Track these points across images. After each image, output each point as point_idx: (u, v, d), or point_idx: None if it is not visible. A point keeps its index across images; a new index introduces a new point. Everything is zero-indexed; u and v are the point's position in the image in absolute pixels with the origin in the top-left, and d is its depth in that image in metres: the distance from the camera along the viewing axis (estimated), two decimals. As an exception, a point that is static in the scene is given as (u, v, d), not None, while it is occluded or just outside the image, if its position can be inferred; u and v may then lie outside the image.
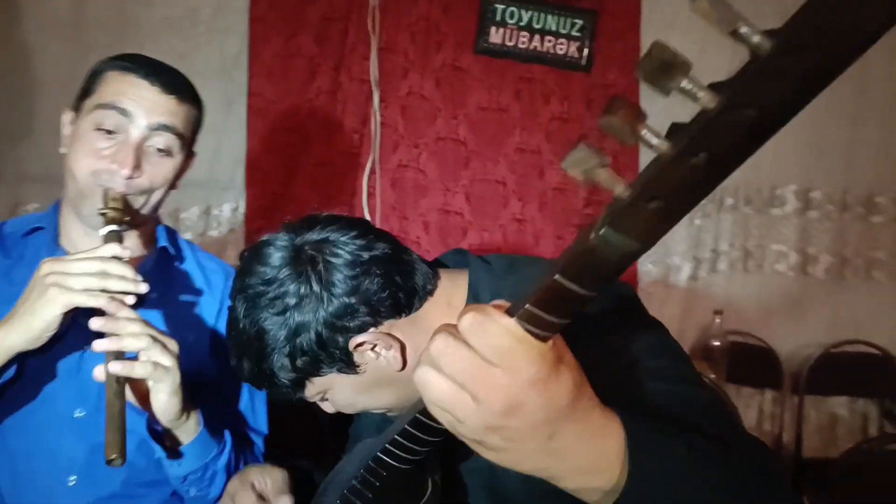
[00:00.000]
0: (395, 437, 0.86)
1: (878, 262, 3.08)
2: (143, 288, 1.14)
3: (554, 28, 2.77)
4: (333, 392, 1.07)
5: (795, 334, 3.07)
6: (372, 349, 1.02)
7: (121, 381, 1.09)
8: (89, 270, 1.11)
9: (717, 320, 2.69)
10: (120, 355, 1.09)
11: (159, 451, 1.21)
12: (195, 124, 1.35)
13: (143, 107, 1.24)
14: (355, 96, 2.72)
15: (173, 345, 1.15)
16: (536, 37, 2.76)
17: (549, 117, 2.80)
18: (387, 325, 1.01)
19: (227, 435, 1.29)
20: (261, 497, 1.14)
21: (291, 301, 0.98)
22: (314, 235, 1.02)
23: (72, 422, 1.27)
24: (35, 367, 1.22)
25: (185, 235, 2.63)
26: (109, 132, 1.24)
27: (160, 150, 1.27)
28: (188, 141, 1.33)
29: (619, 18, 2.77)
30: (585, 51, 2.77)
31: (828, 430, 3.01)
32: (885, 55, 2.83)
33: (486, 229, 2.83)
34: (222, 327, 1.30)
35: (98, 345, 1.09)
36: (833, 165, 2.89)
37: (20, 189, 2.65)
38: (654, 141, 0.44)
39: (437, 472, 1.01)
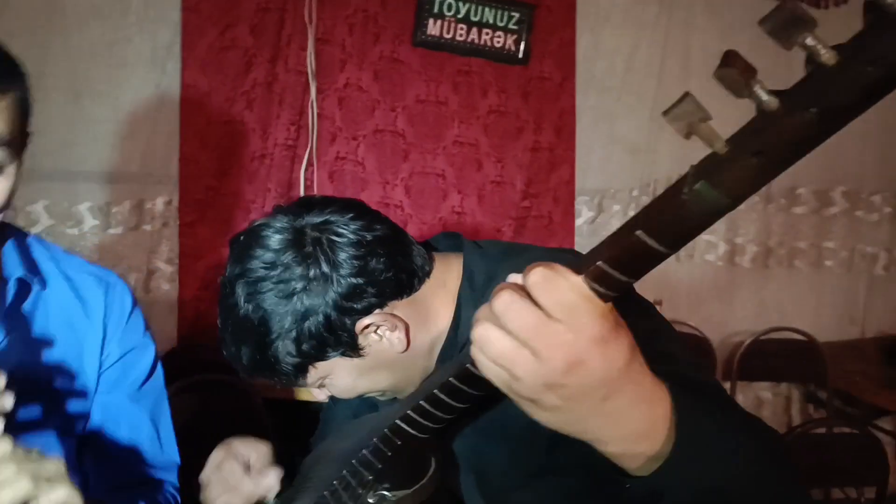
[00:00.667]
0: (421, 402, 0.84)
1: (799, 252, 3.21)
2: (8, 403, 0.86)
3: (491, 21, 2.77)
4: (334, 377, 1.04)
5: (725, 322, 3.17)
6: (376, 331, 1.00)
7: None
8: None
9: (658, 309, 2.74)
10: None
11: None
12: (22, 110, 0.98)
13: None
14: (292, 88, 2.66)
15: (57, 466, 0.87)
16: (474, 29, 2.76)
17: (487, 110, 2.80)
18: (390, 307, 1.00)
19: None
20: (246, 467, 1.09)
21: (298, 284, 0.96)
22: (314, 218, 0.99)
23: None
24: None
25: (117, 230, 2.58)
26: None
27: None
28: (19, 139, 0.98)
29: (554, 12, 2.79)
30: (522, 44, 2.78)
31: (755, 413, 3.11)
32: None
33: (425, 222, 2.82)
34: (113, 351, 1.16)
35: None
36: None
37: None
38: (765, 96, 0.45)
39: (438, 451, 0.99)
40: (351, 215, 1.00)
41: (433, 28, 2.73)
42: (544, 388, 0.60)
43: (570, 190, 2.92)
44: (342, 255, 0.97)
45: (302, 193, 2.72)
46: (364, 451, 0.95)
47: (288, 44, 2.65)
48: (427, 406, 0.83)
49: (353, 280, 0.97)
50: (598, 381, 0.60)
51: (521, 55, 2.79)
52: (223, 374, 2.43)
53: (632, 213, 2.97)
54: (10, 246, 1.08)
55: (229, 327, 1.01)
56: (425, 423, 0.86)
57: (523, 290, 0.58)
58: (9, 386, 0.87)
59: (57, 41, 2.55)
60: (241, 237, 1.02)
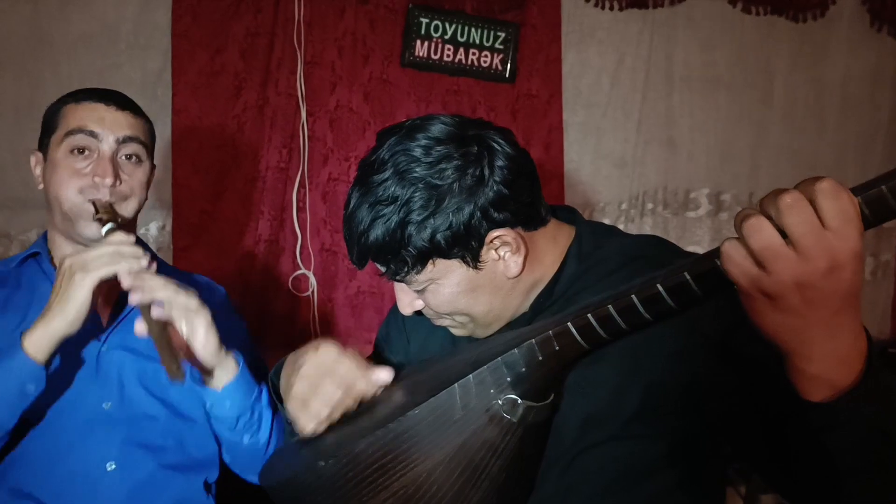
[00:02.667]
0: (609, 306, 0.82)
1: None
2: (153, 264, 1.29)
3: (478, 41, 2.75)
4: (442, 283, 1.05)
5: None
6: (498, 249, 1.05)
7: (160, 323, 1.22)
8: (105, 253, 1.24)
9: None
10: (151, 305, 1.23)
11: (210, 397, 1.35)
12: (151, 135, 1.55)
13: (106, 125, 1.42)
14: (284, 111, 2.63)
15: (193, 292, 1.27)
16: (461, 49, 2.74)
17: (477, 129, 2.78)
18: (517, 232, 1.05)
19: (262, 382, 1.41)
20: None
21: (453, 175, 0.99)
22: (476, 128, 1.04)
23: (101, 414, 1.38)
24: (58, 368, 1.31)
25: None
26: (83, 152, 1.41)
27: (131, 158, 1.45)
28: (150, 149, 1.52)
29: (540, 31, 2.78)
30: (509, 63, 2.77)
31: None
32: (786, 65, 2.95)
33: (417, 240, 2.79)
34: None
35: (134, 298, 1.23)
36: (740, 169, 2.99)
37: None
38: None
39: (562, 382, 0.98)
40: (508, 138, 1.05)
41: (421, 49, 2.72)
42: (794, 287, 0.65)
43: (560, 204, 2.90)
44: (499, 163, 1.01)
45: (294, 215, 2.69)
46: (515, 350, 0.91)
47: (278, 67, 2.62)
48: (612, 311, 0.82)
49: (503, 190, 1.01)
50: (844, 292, 0.66)
51: (507, 74, 2.78)
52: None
53: (621, 226, 2.99)
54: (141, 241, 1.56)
55: (367, 204, 1.03)
56: (599, 331, 0.85)
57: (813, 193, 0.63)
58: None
59: (47, 71, 2.51)
60: (408, 122, 1.06)
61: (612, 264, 1.11)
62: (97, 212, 1.37)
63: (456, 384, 0.92)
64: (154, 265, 1.29)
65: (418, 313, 1.17)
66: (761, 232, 0.64)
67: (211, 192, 2.62)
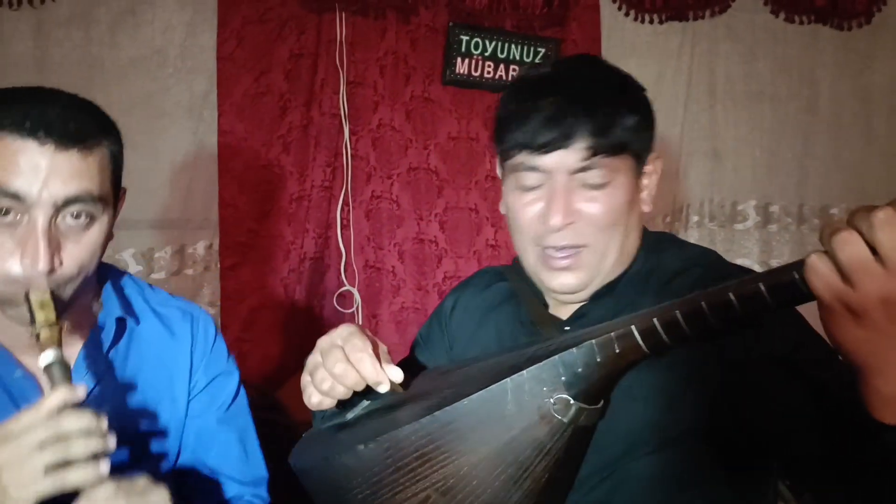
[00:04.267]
0: (676, 312, 0.80)
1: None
2: (112, 444, 0.89)
3: (518, 57, 2.72)
4: (616, 186, 1.07)
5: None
6: (650, 176, 1.11)
7: None
8: (43, 438, 0.84)
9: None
10: None
11: None
12: (113, 164, 1.04)
13: (38, 179, 0.93)
14: (327, 130, 2.62)
15: (140, 485, 0.91)
16: (501, 66, 2.71)
17: (518, 144, 2.75)
18: None
19: None
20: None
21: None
22: None
23: None
24: None
25: (160, 275, 2.55)
26: (6, 214, 0.94)
27: (78, 218, 0.98)
28: (110, 192, 1.03)
29: (580, 46, 2.73)
30: (549, 78, 2.74)
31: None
32: (830, 74, 2.87)
33: (461, 256, 2.76)
34: (200, 378, 1.21)
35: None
36: (787, 180, 2.90)
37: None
38: None
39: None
40: None
41: (462, 67, 2.70)
42: (879, 303, 0.63)
43: (603, 219, 2.86)
44: None
45: (339, 232, 2.68)
46: (573, 350, 0.87)
47: (321, 88, 2.62)
48: (679, 316, 0.80)
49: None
50: None
51: (548, 89, 2.75)
52: (268, 413, 2.38)
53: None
54: (108, 288, 1.14)
55: (612, 72, 1.12)
56: (663, 336, 0.82)
57: None
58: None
59: (98, 95, 2.48)
60: None
61: (670, 272, 1.11)
62: (31, 316, 0.94)
63: (508, 379, 0.89)
64: (112, 443, 0.90)
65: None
66: (851, 245, 0.63)
67: (257, 211, 2.62)
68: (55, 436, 0.85)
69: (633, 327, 0.85)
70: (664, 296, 1.05)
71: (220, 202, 2.58)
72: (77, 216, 0.98)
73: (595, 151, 1.03)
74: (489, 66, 2.72)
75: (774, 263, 2.96)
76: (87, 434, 0.86)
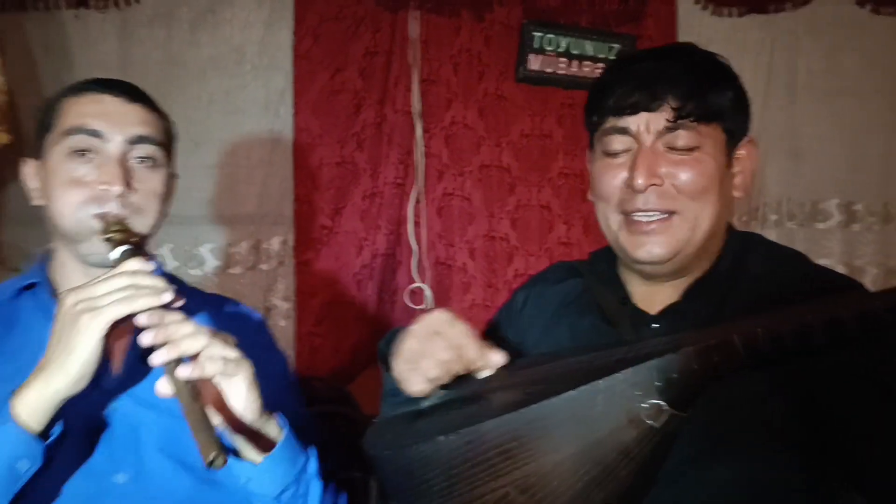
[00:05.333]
0: (810, 319, 0.78)
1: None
2: (180, 301, 1.00)
3: (592, 53, 2.67)
4: (707, 154, 1.06)
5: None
6: (742, 159, 1.11)
7: (192, 384, 0.94)
8: (118, 286, 0.95)
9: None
10: (180, 361, 0.95)
11: (246, 471, 1.04)
12: (169, 136, 1.24)
13: (113, 121, 1.12)
14: (400, 128, 2.61)
15: (231, 339, 1.02)
16: (575, 62, 2.67)
17: (592, 141, 2.71)
18: None
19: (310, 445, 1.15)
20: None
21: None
22: None
23: (112, 489, 1.06)
24: (64, 431, 1.01)
25: (236, 269, 2.58)
26: (83, 154, 1.11)
27: (144, 161, 1.15)
28: (168, 153, 1.22)
29: (656, 42, 2.67)
30: (624, 75, 2.69)
31: None
32: (918, 68, 2.75)
33: (532, 254, 2.72)
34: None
35: (158, 357, 0.94)
36: (871, 178, 2.78)
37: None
38: None
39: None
40: None
41: (535, 63, 2.66)
42: None
43: (677, 218, 2.79)
44: None
45: (410, 229, 2.67)
46: (670, 355, 0.85)
47: (395, 85, 2.61)
48: (786, 331, 0.78)
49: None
50: None
51: (623, 85, 2.69)
52: (338, 406, 2.39)
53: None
54: (159, 271, 1.18)
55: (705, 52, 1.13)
56: (766, 349, 0.80)
57: None
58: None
59: (177, 93, 2.58)
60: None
61: (759, 273, 1.09)
62: (106, 230, 1.08)
63: (601, 380, 0.85)
64: (180, 300, 1.00)
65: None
66: None
67: (331, 208, 2.62)
68: (129, 284, 0.96)
69: (735, 337, 0.82)
70: (753, 298, 1.01)
71: (295, 198, 2.59)
72: (143, 160, 1.15)
73: (682, 114, 1.04)
74: (563, 62, 2.67)
75: (858, 264, 2.84)
76: (155, 289, 0.96)
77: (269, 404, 1.10)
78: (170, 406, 0.97)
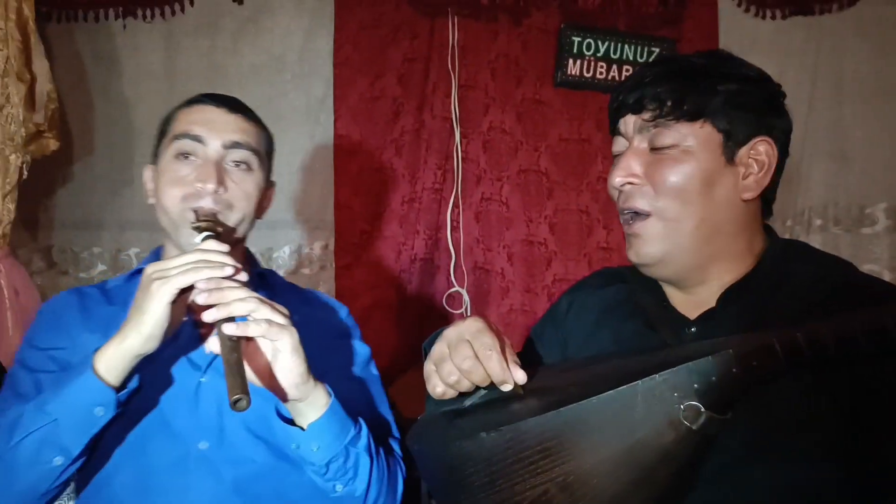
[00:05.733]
0: (855, 327, 0.79)
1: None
2: (243, 276, 1.11)
3: (631, 57, 2.65)
4: (690, 155, 1.05)
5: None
6: (751, 159, 1.06)
7: (235, 341, 1.03)
8: (190, 260, 1.09)
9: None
10: (230, 321, 1.05)
11: (295, 436, 1.13)
12: (268, 145, 1.38)
13: (213, 128, 1.28)
14: (439, 134, 2.62)
15: (282, 309, 1.10)
16: (614, 66, 2.65)
17: (631, 145, 2.68)
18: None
19: (360, 419, 1.21)
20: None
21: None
22: None
23: (198, 454, 1.20)
24: (154, 402, 1.19)
25: (279, 273, 2.62)
26: (187, 157, 1.27)
27: (238, 165, 1.29)
28: (264, 161, 1.35)
29: (697, 45, 2.63)
30: (664, 78, 2.65)
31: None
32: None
33: (570, 259, 2.71)
34: (325, 343, 1.31)
35: (208, 314, 1.05)
36: (921, 182, 2.72)
37: (122, 236, 2.63)
38: None
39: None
40: None
41: (573, 68, 2.64)
42: None
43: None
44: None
45: (448, 234, 2.67)
46: (709, 358, 0.85)
47: (433, 91, 2.62)
48: (828, 338, 0.78)
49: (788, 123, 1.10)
50: None
51: (663, 89, 2.66)
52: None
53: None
54: (252, 259, 1.44)
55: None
56: (806, 354, 0.80)
57: None
58: None
59: (221, 101, 2.63)
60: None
61: (803, 281, 1.05)
62: (197, 220, 1.22)
63: (640, 381, 0.86)
64: (243, 275, 1.11)
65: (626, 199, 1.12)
66: None
67: (370, 213, 2.64)
68: (200, 259, 1.09)
69: (775, 341, 0.82)
70: (796, 306, 0.99)
71: (336, 204, 2.62)
72: (238, 164, 1.29)
73: (661, 113, 1.05)
74: (601, 66, 2.65)
75: (906, 271, 2.77)
76: (223, 264, 1.09)
77: (341, 391, 1.20)
78: (253, 386, 1.05)
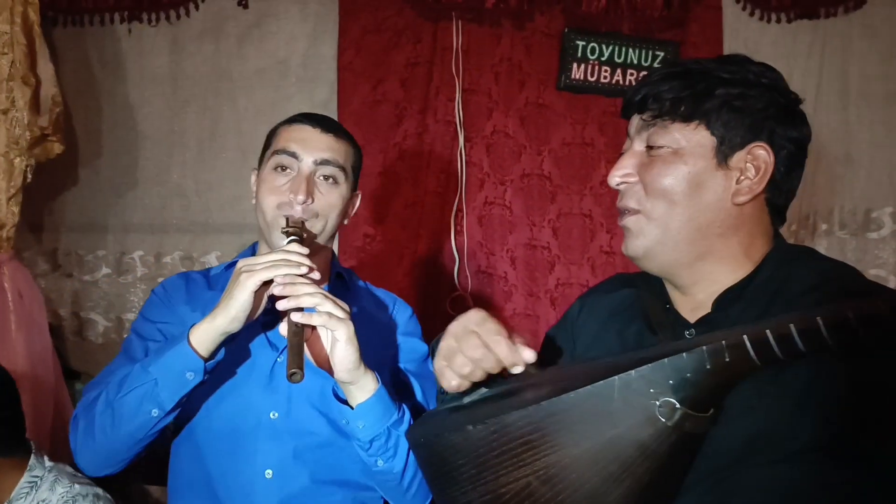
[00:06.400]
0: (791, 325, 0.79)
1: None
2: (316, 275, 1.30)
3: (635, 61, 2.63)
4: (681, 158, 1.05)
5: None
6: (746, 164, 1.05)
7: (300, 327, 1.23)
8: (273, 258, 1.29)
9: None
10: (298, 311, 1.24)
11: (346, 413, 1.33)
12: (355, 160, 1.57)
13: (307, 147, 1.46)
14: (442, 138, 2.61)
15: (344, 304, 1.28)
16: (618, 70, 2.63)
17: (635, 149, 2.66)
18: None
19: (405, 406, 1.38)
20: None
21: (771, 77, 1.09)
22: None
23: (268, 423, 1.42)
24: (235, 378, 1.42)
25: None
26: (284, 170, 1.46)
27: (326, 179, 1.47)
28: (350, 174, 1.53)
29: (701, 49, 2.62)
30: (668, 82, 2.63)
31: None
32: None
33: (573, 262, 2.69)
34: (397, 338, 1.57)
35: (281, 304, 1.25)
36: (928, 186, 2.68)
37: (126, 239, 2.64)
38: None
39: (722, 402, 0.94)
40: None
41: (577, 72, 2.63)
42: None
43: (723, 226, 2.72)
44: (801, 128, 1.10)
45: (452, 238, 2.67)
46: (683, 354, 0.86)
47: (436, 95, 2.61)
48: (794, 331, 0.77)
49: (795, 134, 1.07)
50: None
51: (667, 93, 2.64)
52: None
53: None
54: (335, 262, 1.63)
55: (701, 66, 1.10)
56: (775, 349, 0.80)
57: None
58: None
59: (225, 105, 2.64)
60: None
61: (802, 285, 1.04)
62: (287, 225, 1.41)
63: (617, 377, 0.87)
64: (316, 274, 1.30)
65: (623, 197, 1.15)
66: None
67: (373, 217, 2.64)
68: (282, 258, 1.28)
69: (744, 337, 0.82)
70: (794, 310, 0.98)
71: (345, 210, 2.62)
72: (327, 178, 1.47)
73: (660, 113, 1.07)
74: (605, 70, 2.64)
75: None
76: (300, 264, 1.28)
77: (394, 381, 1.49)
78: (317, 368, 1.30)
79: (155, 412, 1.31)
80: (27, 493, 1.65)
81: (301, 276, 1.28)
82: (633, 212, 1.11)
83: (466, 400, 1.09)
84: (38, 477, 1.68)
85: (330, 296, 1.28)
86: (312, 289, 1.26)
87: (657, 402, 0.85)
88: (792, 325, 0.77)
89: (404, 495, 1.42)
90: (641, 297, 1.21)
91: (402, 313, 1.66)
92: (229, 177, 2.63)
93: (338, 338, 1.26)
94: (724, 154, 1.05)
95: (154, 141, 2.64)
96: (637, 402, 0.86)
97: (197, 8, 2.59)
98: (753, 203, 1.08)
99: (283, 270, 1.27)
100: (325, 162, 1.46)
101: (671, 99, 1.06)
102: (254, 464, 1.41)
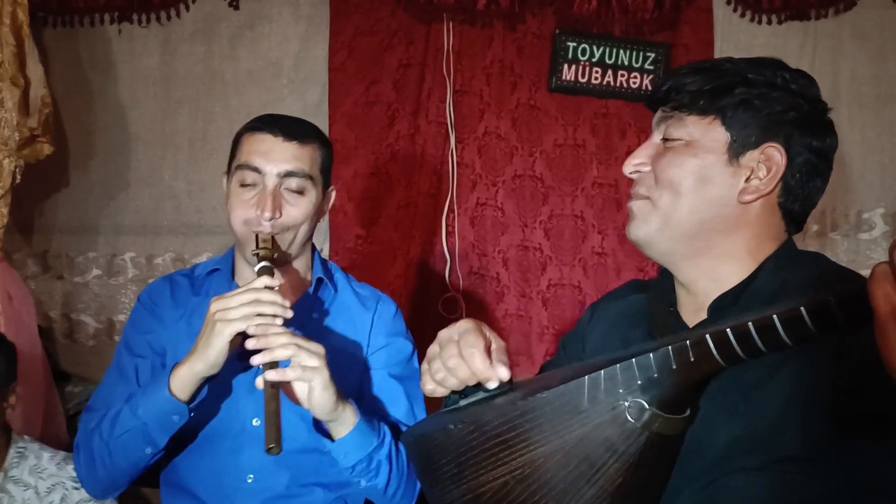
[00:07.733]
0: (749, 323, 0.76)
1: None
2: (289, 314, 1.29)
3: (626, 63, 2.61)
4: (693, 150, 1.05)
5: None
6: (758, 163, 1.03)
7: (276, 385, 1.23)
8: (245, 301, 1.27)
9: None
10: (274, 365, 1.24)
11: (328, 445, 1.35)
12: (323, 161, 1.50)
13: (270, 159, 1.41)
14: (434, 139, 2.59)
15: (318, 348, 1.28)
16: (609, 72, 2.61)
17: (626, 150, 2.61)
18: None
19: (385, 428, 1.41)
20: (487, 349, 1.05)
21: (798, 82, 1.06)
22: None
23: (251, 429, 1.44)
24: (219, 386, 1.41)
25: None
26: (249, 186, 1.42)
27: (293, 192, 1.43)
28: (319, 178, 1.48)
29: (692, 50, 2.60)
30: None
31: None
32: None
33: (565, 263, 2.67)
34: (378, 339, 1.55)
35: (255, 359, 1.25)
36: (919, 187, 2.67)
37: (117, 241, 2.62)
38: None
39: (698, 401, 0.94)
40: None
41: (568, 73, 2.62)
42: None
43: (715, 227, 2.71)
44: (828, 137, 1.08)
45: (444, 239, 2.65)
46: (650, 354, 0.85)
47: (428, 97, 2.59)
48: (751, 329, 0.76)
49: (816, 143, 1.05)
50: None
51: (658, 94, 2.63)
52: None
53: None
54: (317, 260, 1.59)
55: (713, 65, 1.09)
56: (735, 348, 0.78)
57: None
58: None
59: (218, 106, 2.62)
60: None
61: (796, 289, 1.02)
62: (257, 245, 1.38)
63: (586, 377, 0.87)
64: (289, 313, 1.29)
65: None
66: None
67: (365, 218, 2.62)
68: (253, 299, 1.27)
69: (707, 336, 0.80)
70: None
71: (332, 209, 2.59)
72: (293, 188, 1.42)
73: (679, 105, 1.07)
74: (597, 72, 2.62)
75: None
76: (273, 304, 1.27)
77: (378, 391, 1.52)
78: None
79: (148, 450, 1.36)
80: (17, 462, 1.75)
81: (275, 315, 1.27)
82: (641, 197, 1.11)
83: (462, 402, 1.09)
84: (23, 448, 1.78)
85: (303, 343, 1.27)
86: (286, 338, 1.26)
87: (626, 403, 0.85)
88: (749, 323, 0.76)
89: (389, 502, 1.45)
90: (649, 301, 1.21)
91: (387, 311, 1.63)
92: (219, 178, 2.60)
93: (314, 386, 1.27)
94: (736, 151, 1.04)
95: (145, 142, 2.62)
96: (606, 402, 0.86)
97: (188, 9, 2.57)
98: (762, 204, 1.05)
99: (257, 321, 1.26)
100: (289, 174, 1.41)
101: (691, 92, 1.06)
102: (236, 469, 1.44)
